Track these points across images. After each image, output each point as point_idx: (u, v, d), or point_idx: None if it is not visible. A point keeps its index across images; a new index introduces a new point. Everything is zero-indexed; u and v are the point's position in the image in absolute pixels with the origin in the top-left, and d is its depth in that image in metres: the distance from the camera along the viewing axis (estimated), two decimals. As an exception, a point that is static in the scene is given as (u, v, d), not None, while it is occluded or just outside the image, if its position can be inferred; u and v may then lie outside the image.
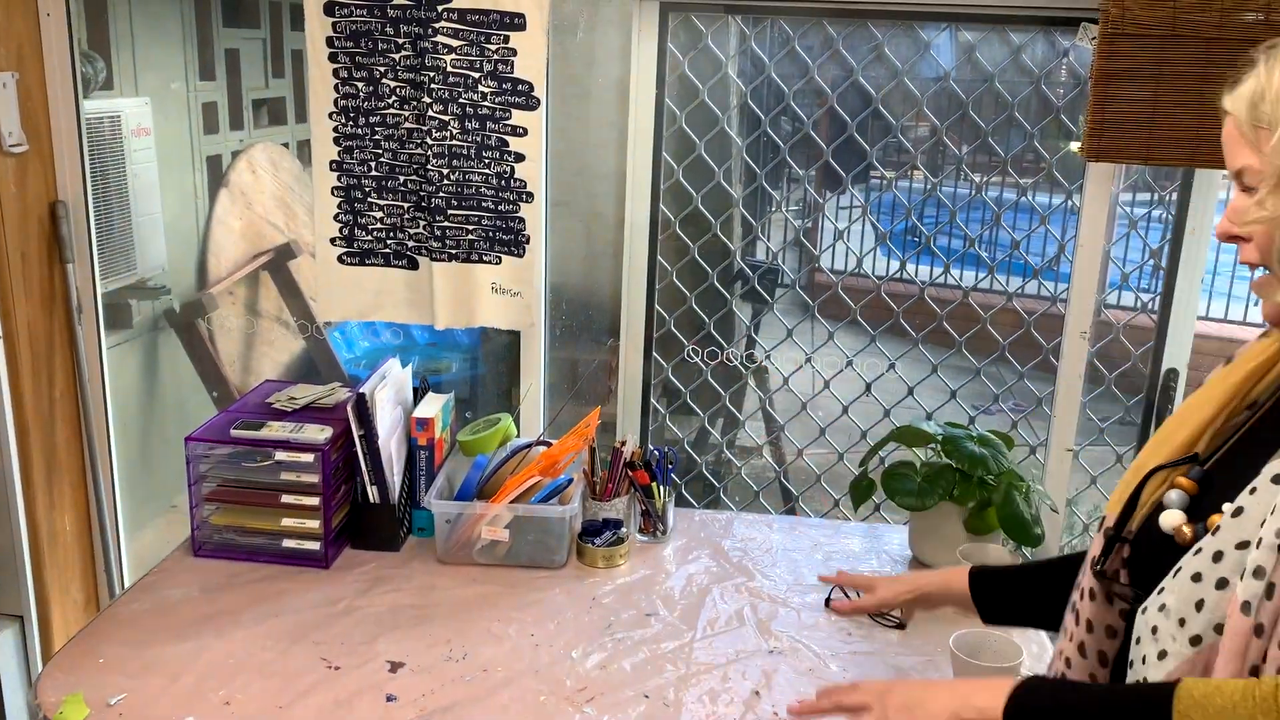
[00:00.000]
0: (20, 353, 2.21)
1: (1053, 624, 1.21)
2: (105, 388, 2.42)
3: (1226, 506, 0.96)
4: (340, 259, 2.11)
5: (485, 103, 1.98)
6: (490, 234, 2.05)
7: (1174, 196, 2.18)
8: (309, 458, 1.84)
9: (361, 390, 1.86)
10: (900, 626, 1.75)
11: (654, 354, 2.33)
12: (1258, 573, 0.90)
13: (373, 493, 1.91)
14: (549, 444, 2.02)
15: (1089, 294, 2.08)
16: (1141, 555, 1.06)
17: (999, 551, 1.87)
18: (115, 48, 2.72)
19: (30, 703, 1.50)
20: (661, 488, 2.01)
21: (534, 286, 2.09)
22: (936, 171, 2.59)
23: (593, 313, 2.48)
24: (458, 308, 2.09)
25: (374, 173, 2.05)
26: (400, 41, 1.97)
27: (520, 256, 2.06)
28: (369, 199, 2.07)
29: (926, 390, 2.40)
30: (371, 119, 2.02)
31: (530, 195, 2.03)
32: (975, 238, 2.35)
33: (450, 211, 2.04)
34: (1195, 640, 0.94)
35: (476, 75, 1.97)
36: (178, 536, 1.96)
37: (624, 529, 1.97)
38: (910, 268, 2.44)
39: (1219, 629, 0.93)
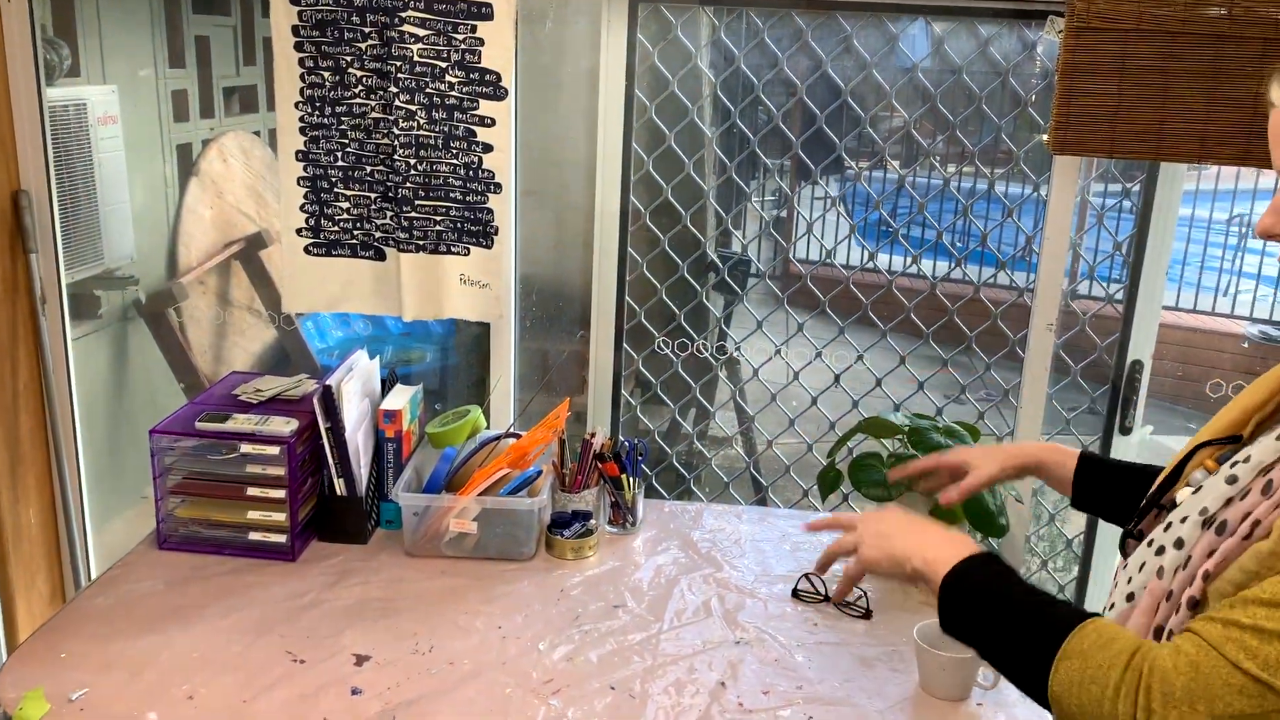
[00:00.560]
0: (-18, 344, 2.18)
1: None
2: (71, 379, 2.40)
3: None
4: (306, 249, 2.09)
5: (453, 93, 1.97)
6: (458, 225, 2.04)
7: (1134, 188, 2.20)
8: (275, 450, 1.83)
9: (328, 382, 1.85)
10: (866, 616, 1.76)
11: (625, 345, 2.33)
12: (1178, 543, 0.97)
13: (340, 485, 1.90)
14: (518, 436, 2.02)
15: (1055, 286, 2.09)
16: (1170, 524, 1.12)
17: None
18: (82, 34, 2.69)
19: (-10, 698, 1.49)
20: (631, 479, 2.01)
21: (503, 278, 2.08)
22: (907, 163, 2.60)
23: (563, 303, 2.47)
24: (425, 299, 2.09)
25: (340, 163, 2.04)
26: (367, 31, 1.95)
27: (489, 248, 2.05)
28: (336, 189, 2.05)
29: (896, 380, 2.41)
30: (338, 108, 2.00)
31: (498, 186, 2.02)
32: (944, 229, 2.36)
33: (418, 202, 2.03)
34: (1129, 597, 1.04)
35: (444, 65, 1.96)
36: (148, 528, 1.94)
37: (593, 521, 1.97)
38: (881, 258, 2.45)
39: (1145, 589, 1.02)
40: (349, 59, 1.97)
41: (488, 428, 2.13)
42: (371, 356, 2.00)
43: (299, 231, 2.09)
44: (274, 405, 1.96)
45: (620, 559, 1.93)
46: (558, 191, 2.39)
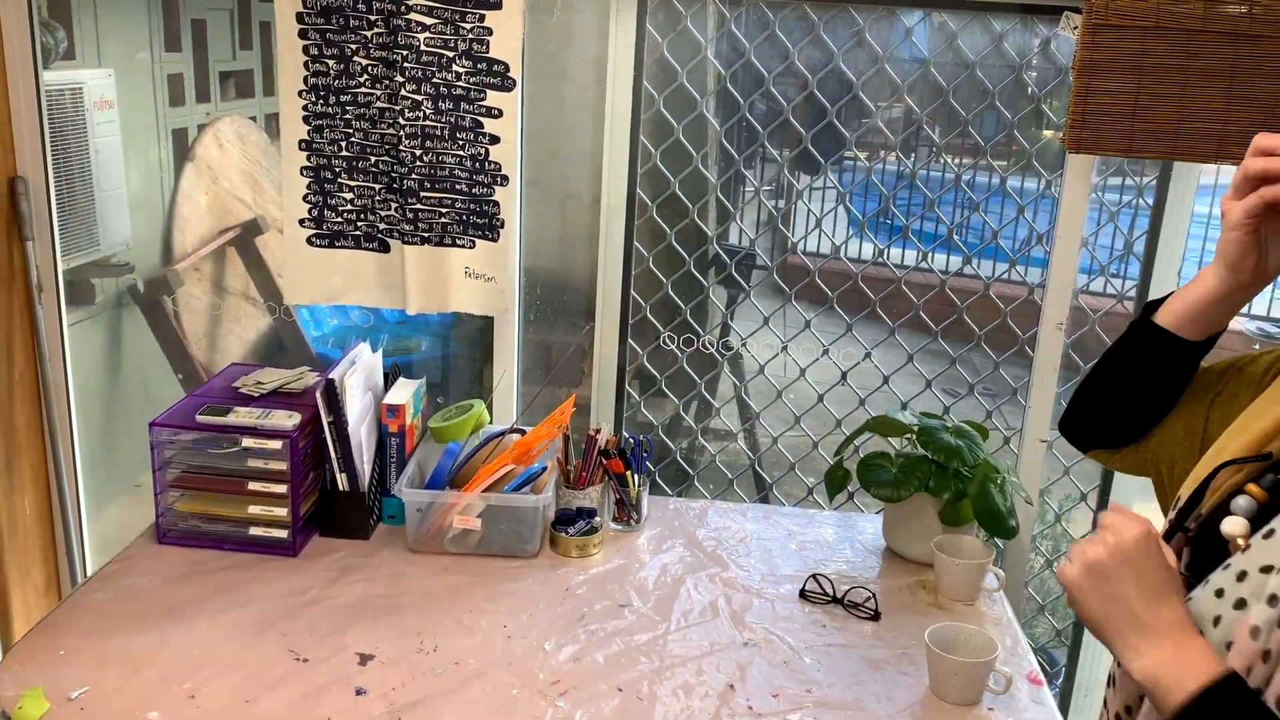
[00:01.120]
0: (-22, 332, 2.15)
1: None
2: (67, 367, 2.36)
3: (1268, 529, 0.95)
4: (309, 241, 2.06)
5: (459, 83, 1.94)
6: (464, 217, 2.01)
7: (1144, 180, 2.17)
8: (277, 444, 1.80)
9: (331, 376, 1.83)
10: (875, 618, 1.75)
11: (629, 340, 2.30)
12: (1272, 600, 0.90)
13: (342, 480, 1.88)
14: (523, 432, 1.99)
15: (1066, 285, 2.07)
16: (1199, 548, 1.05)
17: (974, 544, 1.87)
18: (77, 17, 2.64)
19: (-12, 696, 1.46)
20: (636, 476, 1.99)
21: (508, 271, 2.06)
22: (915, 158, 2.57)
23: (568, 296, 2.45)
24: (430, 292, 2.06)
25: (345, 153, 2.00)
26: (372, 19, 1.92)
27: (494, 240, 2.02)
28: (339, 180, 2.02)
29: (901, 376, 2.40)
30: (342, 98, 1.97)
31: (505, 178, 1.99)
32: (954, 226, 2.34)
33: (423, 194, 2.00)
34: None
35: (451, 54, 1.93)
36: (142, 516, 1.92)
37: (598, 518, 1.95)
38: (886, 251, 2.42)
39: (1229, 646, 0.93)
40: (354, 47, 1.94)
41: (491, 422, 2.11)
42: (368, 345, 1.98)
43: (302, 222, 2.05)
44: (275, 398, 1.93)
45: (625, 557, 1.91)
46: (562, 182, 2.37)
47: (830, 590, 1.81)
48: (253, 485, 1.83)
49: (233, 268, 3.10)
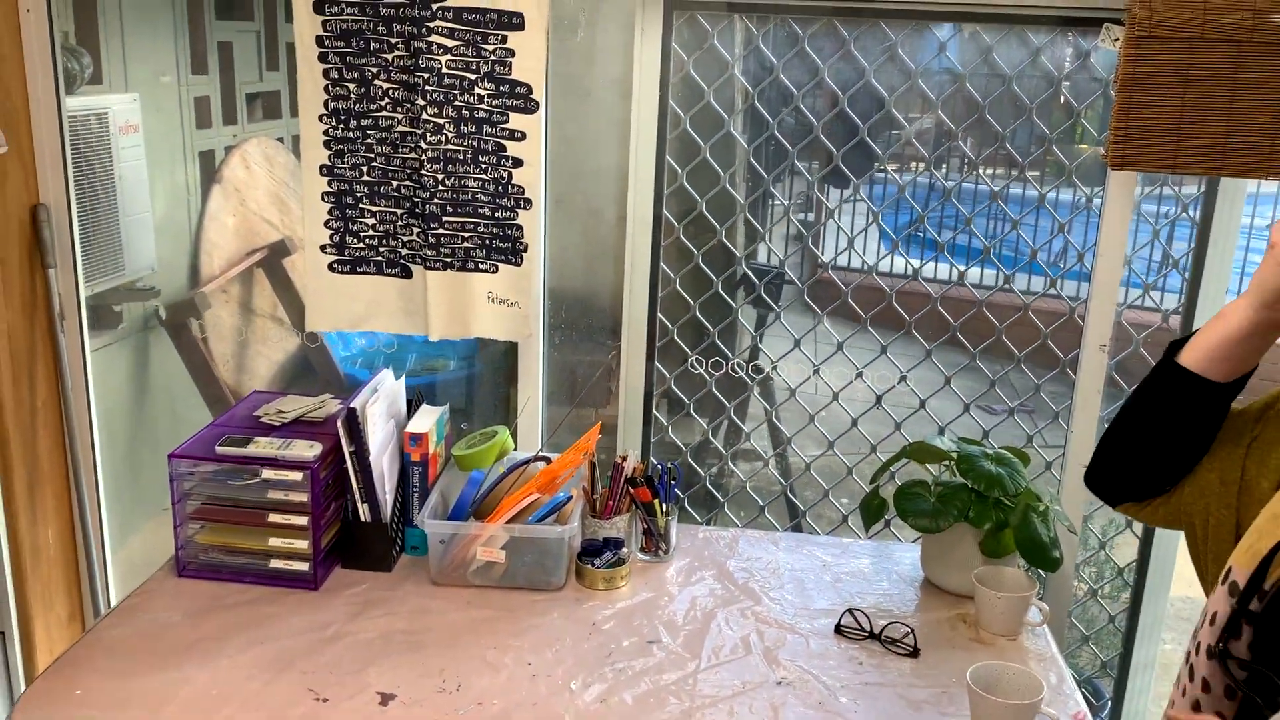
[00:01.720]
0: (0, 361, 2.13)
1: None
2: (89, 396, 2.35)
3: None
4: (331, 267, 2.03)
5: (482, 105, 1.90)
6: (486, 242, 1.97)
7: (1182, 189, 2.10)
8: (297, 475, 1.77)
9: (352, 405, 1.79)
10: (913, 654, 1.68)
11: (656, 363, 2.26)
12: None
13: (364, 511, 1.84)
14: (548, 459, 1.95)
15: (1109, 305, 2.00)
16: (1266, 627, 0.93)
17: (1017, 575, 1.80)
18: (104, 42, 2.64)
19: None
20: (664, 505, 1.94)
21: (532, 296, 2.01)
22: (948, 172, 2.51)
23: (593, 317, 2.40)
24: (452, 318, 2.02)
25: (366, 178, 1.97)
26: (393, 41, 1.89)
27: (518, 265, 1.98)
28: (361, 205, 1.99)
29: (939, 396, 2.33)
30: (363, 122, 1.94)
31: (529, 202, 1.95)
32: (991, 245, 2.28)
33: (445, 218, 1.96)
34: None
35: (473, 77, 1.89)
36: (169, 540, 1.88)
37: (625, 549, 1.90)
38: (921, 267, 2.36)
39: None
40: (375, 70, 1.91)
41: (515, 448, 2.06)
42: (394, 365, 1.94)
43: (323, 248, 2.02)
44: (296, 427, 1.90)
45: (653, 589, 1.85)
46: (587, 202, 2.33)
47: (867, 625, 1.74)
48: (273, 517, 1.80)
49: (260, 289, 3.09)
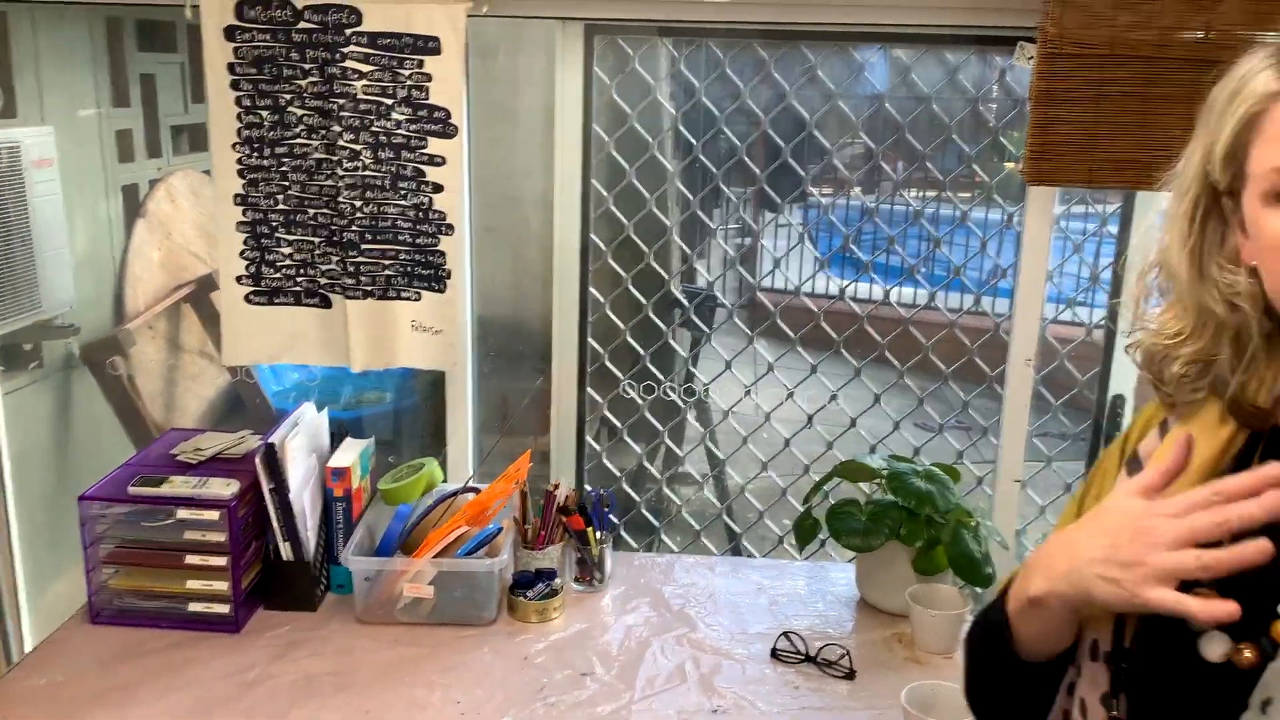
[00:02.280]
0: (-97, 405, 2.05)
1: None
2: (1, 438, 2.26)
3: None
4: (247, 298, 1.98)
5: (400, 131, 1.87)
6: (409, 269, 1.94)
7: (1104, 209, 2.13)
8: (214, 515, 1.71)
9: (271, 440, 1.74)
10: (849, 676, 1.66)
11: (589, 388, 2.23)
12: None
13: (285, 550, 1.79)
14: (477, 490, 1.91)
15: (1033, 319, 2.01)
16: (1163, 686, 0.87)
17: (950, 593, 1.80)
18: (18, 74, 2.57)
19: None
20: (598, 533, 1.91)
21: (457, 323, 1.98)
22: (872, 190, 2.53)
23: (523, 344, 2.37)
24: (375, 348, 1.97)
25: (282, 206, 1.93)
26: (307, 67, 1.85)
27: (441, 292, 1.95)
28: (277, 234, 1.94)
29: (871, 414, 2.33)
30: (278, 149, 1.89)
31: (450, 227, 1.91)
32: (918, 260, 2.29)
33: (365, 246, 1.92)
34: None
35: (390, 102, 1.86)
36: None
37: (558, 579, 1.86)
38: (849, 287, 2.36)
39: None
40: (289, 97, 1.87)
41: (445, 480, 2.02)
42: (328, 398, 1.89)
43: (239, 279, 1.97)
44: (214, 465, 1.84)
45: (588, 620, 1.82)
46: (515, 229, 2.30)
47: (803, 648, 1.72)
48: (191, 558, 1.73)
49: (189, 325, 3.02)
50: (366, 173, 1.88)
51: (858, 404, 2.31)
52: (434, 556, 1.76)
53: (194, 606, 1.74)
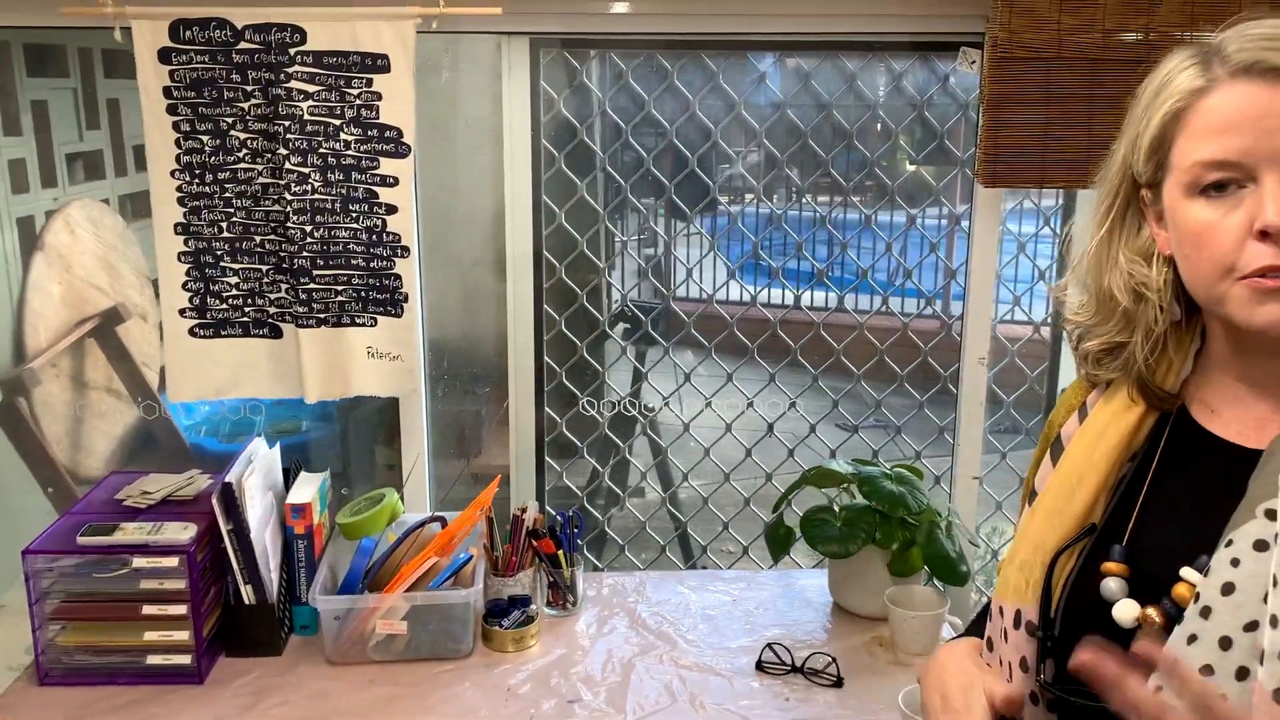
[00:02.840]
0: None
1: None
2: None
3: (1201, 580, 0.85)
4: (191, 331, 1.88)
5: (349, 152, 1.81)
6: (363, 294, 1.87)
7: (1043, 202, 2.19)
8: (172, 561, 1.62)
9: (227, 479, 1.66)
10: (837, 684, 1.66)
11: (546, 408, 2.19)
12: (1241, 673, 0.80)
13: (247, 593, 1.70)
14: (444, 520, 1.85)
15: (984, 319, 2.05)
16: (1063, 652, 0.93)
17: (927, 594, 1.81)
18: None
19: None
20: (569, 555, 1.87)
21: (415, 348, 1.92)
22: (772, 196, 2.57)
23: (476, 367, 2.32)
24: (330, 377, 1.90)
25: (226, 234, 1.84)
26: (249, 89, 1.77)
27: (398, 316, 1.89)
28: (222, 263, 1.85)
29: (816, 419, 2.36)
30: (220, 175, 1.81)
31: (405, 250, 1.86)
32: (824, 266, 2.34)
33: (316, 272, 1.85)
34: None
35: (338, 122, 1.79)
36: (8, 639, 1.69)
37: (532, 605, 1.82)
38: (761, 292, 2.38)
39: None
40: (230, 120, 1.79)
41: (405, 511, 1.95)
42: (242, 429, 1.81)
43: (182, 312, 1.88)
44: (165, 508, 1.75)
45: (566, 645, 1.78)
46: (462, 249, 2.25)
47: (788, 659, 1.71)
48: (148, 609, 1.64)
49: (94, 361, 2.88)
50: (315, 196, 1.81)
51: (814, 414, 2.33)
52: (406, 590, 1.70)
53: (153, 659, 1.65)
